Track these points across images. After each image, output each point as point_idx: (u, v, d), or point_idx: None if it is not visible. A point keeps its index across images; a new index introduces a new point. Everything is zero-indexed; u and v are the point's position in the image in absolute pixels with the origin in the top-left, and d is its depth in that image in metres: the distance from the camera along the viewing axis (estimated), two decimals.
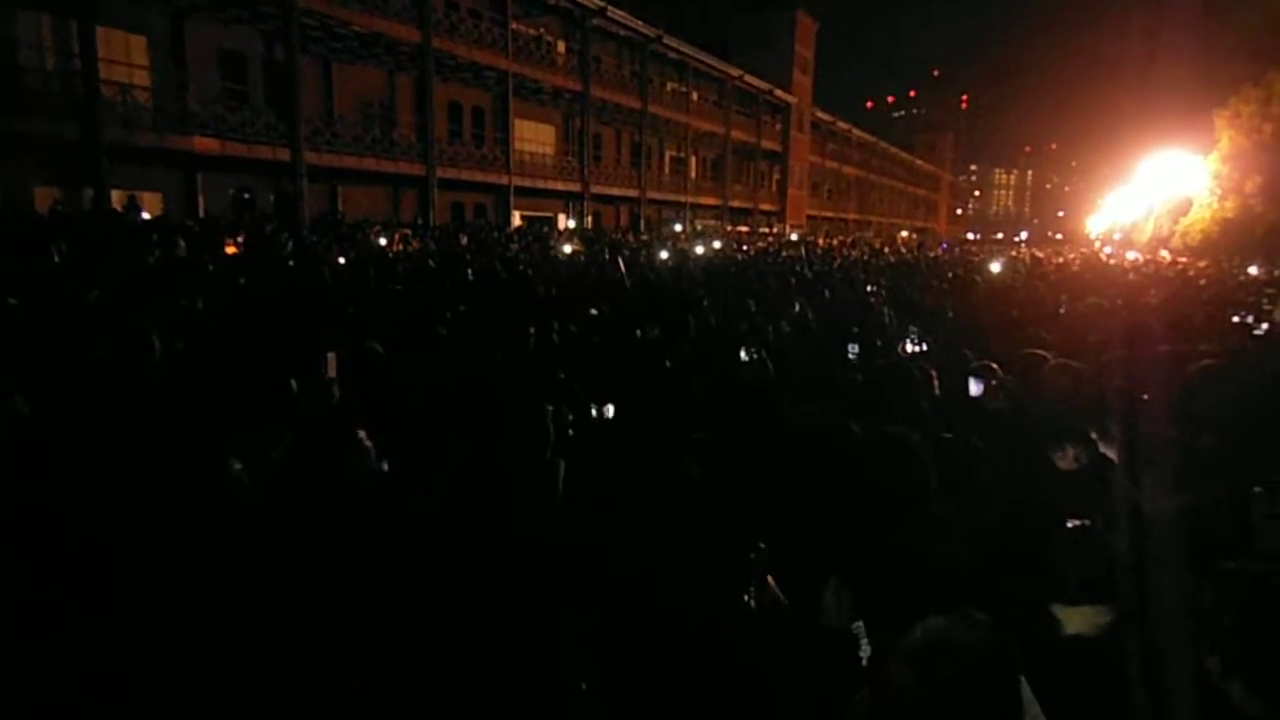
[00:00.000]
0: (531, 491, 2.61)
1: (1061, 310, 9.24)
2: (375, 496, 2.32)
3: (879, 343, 5.57)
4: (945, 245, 39.32)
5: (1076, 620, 2.35)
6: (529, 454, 2.83)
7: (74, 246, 7.64)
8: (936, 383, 4.40)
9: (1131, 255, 24.72)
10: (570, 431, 3.38)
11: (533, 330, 5.47)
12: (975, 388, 4.05)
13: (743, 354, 4.60)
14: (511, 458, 2.77)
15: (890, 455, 2.73)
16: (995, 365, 4.52)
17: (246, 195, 21.99)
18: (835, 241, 36.03)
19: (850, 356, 5.17)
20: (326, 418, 3.16)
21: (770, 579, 2.24)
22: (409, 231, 19.21)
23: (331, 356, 3.35)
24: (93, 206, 16.17)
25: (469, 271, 10.09)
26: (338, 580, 1.98)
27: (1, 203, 14.75)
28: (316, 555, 2.03)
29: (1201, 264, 23.94)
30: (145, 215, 14.73)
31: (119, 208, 15.75)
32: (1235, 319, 8.13)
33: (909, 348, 5.46)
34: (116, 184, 17.09)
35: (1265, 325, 8.03)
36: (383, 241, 16.25)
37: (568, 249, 17.41)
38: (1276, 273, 17.90)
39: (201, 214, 18.76)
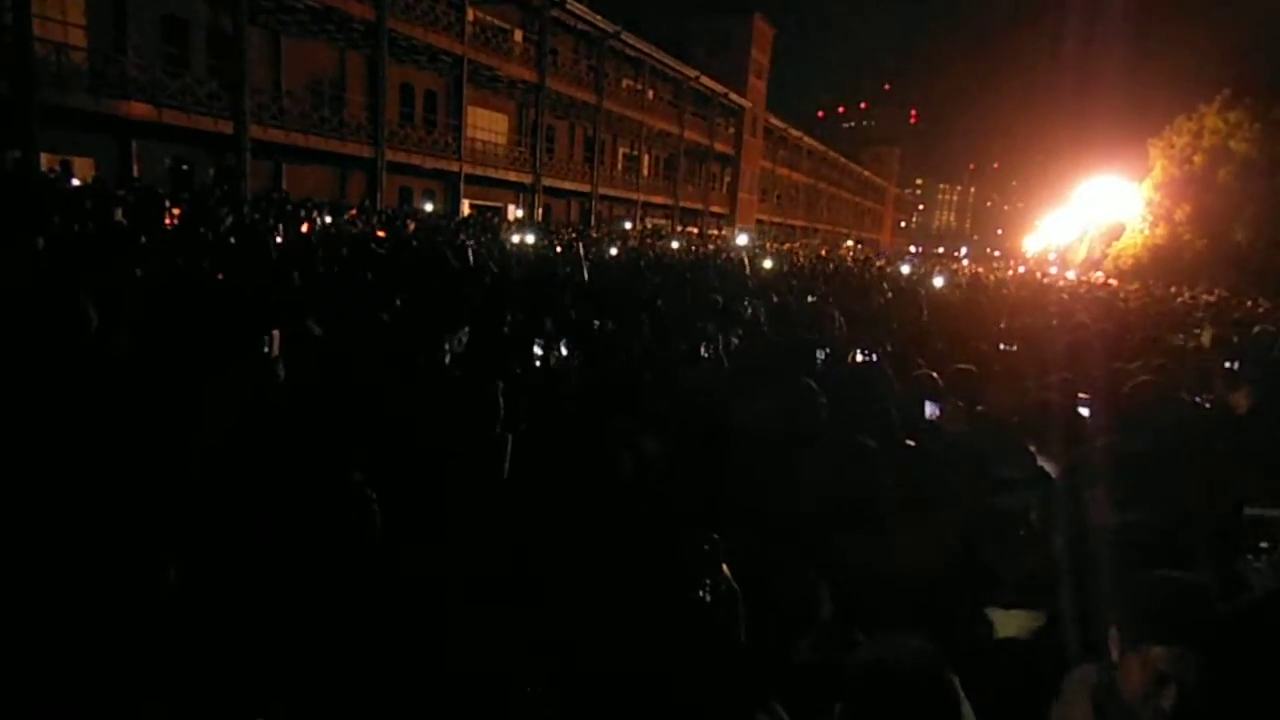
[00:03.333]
0: (477, 467, 2.56)
1: (1001, 325, 9.48)
2: (322, 480, 2.24)
3: (828, 350, 5.63)
4: (884, 256, 40.05)
5: (1011, 624, 2.39)
6: (477, 428, 2.78)
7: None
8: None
9: (1070, 274, 25.57)
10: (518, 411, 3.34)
11: (486, 318, 5.40)
12: (930, 410, 4.00)
13: (702, 350, 4.60)
14: (460, 432, 2.72)
15: (847, 461, 2.74)
16: (935, 375, 4.59)
17: (185, 167, 21.27)
18: (785, 247, 36.41)
19: (811, 359, 5.20)
20: (271, 397, 3.05)
21: (725, 568, 2.23)
22: (355, 213, 18.82)
23: (275, 334, 3.24)
24: (15, 168, 15.44)
25: (415, 257, 9.91)
26: (285, 567, 1.91)
27: None
28: (265, 540, 1.95)
29: (1132, 287, 24.86)
30: (75, 181, 14.15)
31: (49, 172, 15.10)
32: (1180, 339, 8.45)
33: (858, 357, 5.52)
34: (46, 147, 16.35)
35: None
36: (328, 219, 15.88)
37: (518, 239, 17.23)
38: (1204, 298, 18.67)
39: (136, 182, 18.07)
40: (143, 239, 7.20)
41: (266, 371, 3.17)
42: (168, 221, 10.54)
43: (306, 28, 23.72)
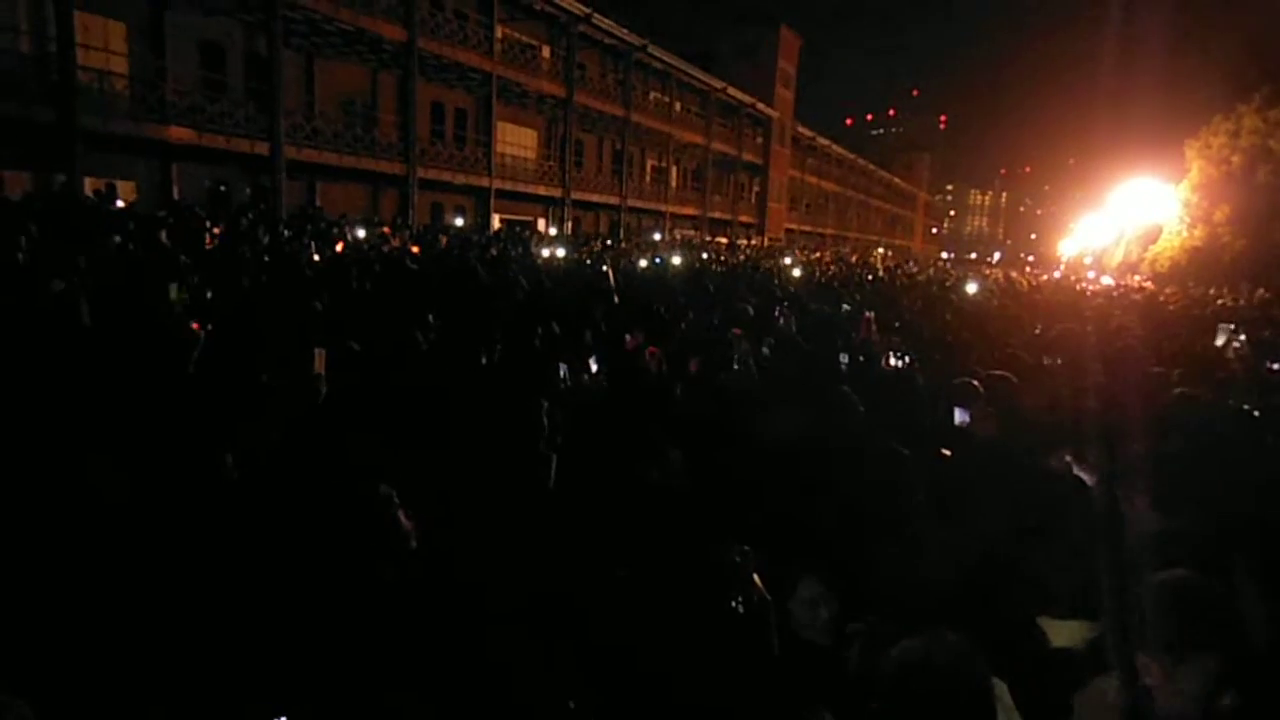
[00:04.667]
0: (525, 484, 2.59)
1: (1036, 331, 9.36)
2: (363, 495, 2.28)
3: (862, 357, 5.61)
4: (915, 263, 39.73)
5: (1064, 635, 2.37)
6: (523, 447, 2.81)
7: (46, 233, 7.49)
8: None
9: (1106, 280, 25.14)
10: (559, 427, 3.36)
11: (521, 334, 5.45)
12: (960, 416, 3.93)
13: (735, 363, 4.61)
14: (507, 450, 2.75)
15: (881, 469, 2.74)
16: (976, 383, 4.55)
17: (223, 187, 21.71)
18: (814, 256, 36.26)
19: (841, 367, 5.19)
20: (315, 415, 3.12)
21: (757, 580, 2.24)
22: (388, 230, 19.06)
23: (320, 353, 3.30)
24: (62, 191, 15.87)
25: (447, 273, 10.04)
26: (326, 578, 1.95)
27: None
28: (306, 552, 1.99)
29: (1168, 290, 24.38)
30: (120, 203, 14.51)
31: (92, 195, 15.50)
32: (1219, 343, 8.25)
33: (893, 362, 5.50)
34: (90, 171, 16.79)
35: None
36: (361, 233, 16.10)
37: (547, 253, 17.37)
38: (1243, 301, 18.28)
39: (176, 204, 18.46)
40: (184, 259, 7.37)
41: (311, 389, 3.23)
42: (208, 242, 10.77)
43: (339, 49, 24.15)
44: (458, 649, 1.99)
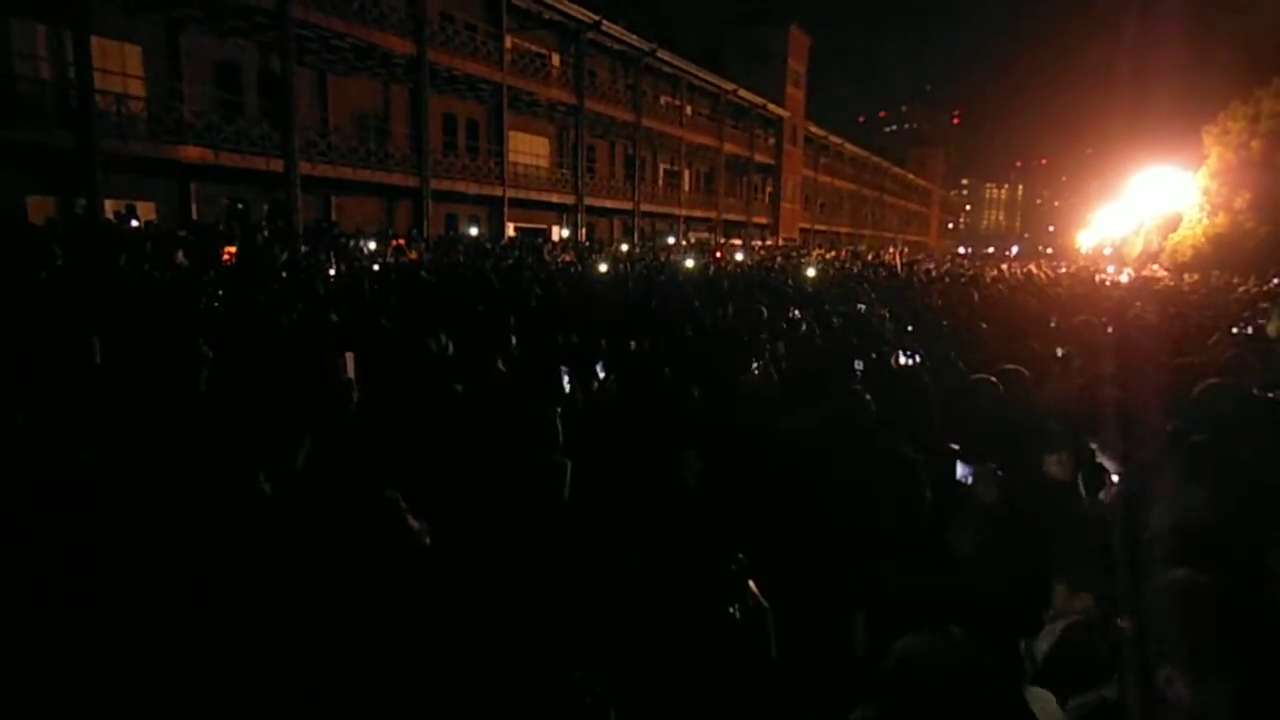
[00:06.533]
0: (539, 492, 2.61)
1: (1053, 324, 9.29)
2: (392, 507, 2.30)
3: (875, 355, 5.59)
4: (932, 258, 39.47)
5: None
6: (538, 455, 2.82)
7: (71, 256, 7.61)
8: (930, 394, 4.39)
9: (1124, 277, 24.83)
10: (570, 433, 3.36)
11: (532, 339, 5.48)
12: (962, 471, 3.63)
13: (754, 366, 4.60)
14: (521, 458, 2.77)
15: (892, 478, 2.72)
16: (991, 379, 4.52)
17: (240, 205, 21.96)
18: (829, 255, 36.12)
19: (856, 372, 5.17)
20: (348, 422, 3.15)
21: (753, 585, 2.24)
22: (403, 241, 19.20)
23: (350, 357, 3.34)
24: (84, 215, 16.12)
25: (462, 283, 10.11)
26: (356, 589, 1.97)
27: None
28: (338, 563, 2.01)
29: (1191, 279, 24.06)
30: (135, 223, 14.71)
31: (113, 216, 15.73)
32: (1234, 330, 8.20)
33: (902, 359, 5.48)
34: (111, 193, 17.04)
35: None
36: (372, 245, 16.24)
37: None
38: (1267, 287, 18.02)
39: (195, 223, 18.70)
40: (204, 277, 7.47)
41: (343, 395, 3.27)
42: (225, 259, 10.91)
43: (351, 65, 24.37)
44: (471, 656, 2.01)
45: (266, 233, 16.13)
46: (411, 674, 1.86)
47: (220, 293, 7.47)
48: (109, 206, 16.76)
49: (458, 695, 1.74)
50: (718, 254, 28.06)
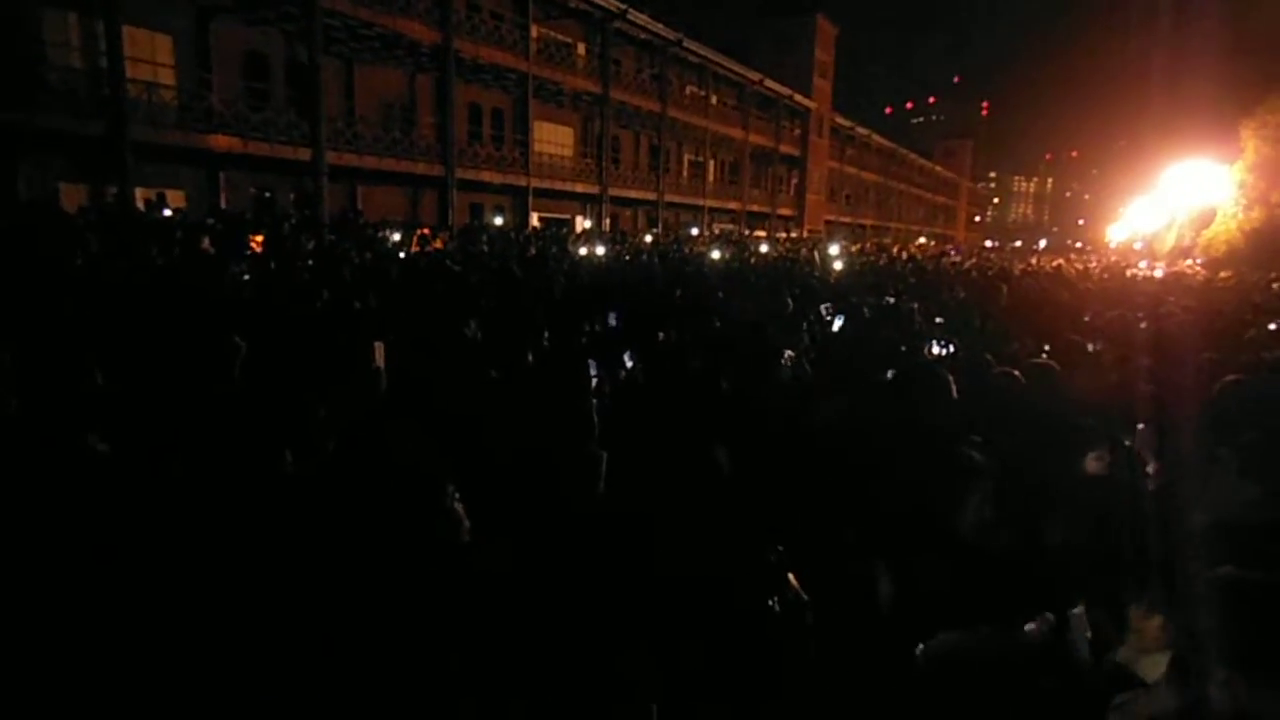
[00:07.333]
0: (576, 483, 2.58)
1: (1086, 319, 9.14)
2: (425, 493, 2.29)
3: (904, 347, 5.53)
4: (957, 251, 39.05)
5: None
6: (574, 445, 2.80)
7: (105, 245, 7.70)
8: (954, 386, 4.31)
9: (1158, 273, 24.39)
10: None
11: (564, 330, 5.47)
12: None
13: (786, 356, 4.55)
14: (557, 449, 2.75)
15: (957, 478, 2.66)
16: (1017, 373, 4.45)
17: (268, 194, 22.15)
18: (855, 248, 35.85)
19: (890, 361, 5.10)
20: (377, 409, 3.16)
21: (792, 578, 2.21)
22: (427, 231, 19.26)
23: (379, 346, 3.35)
24: (115, 203, 16.33)
25: (486, 272, 10.11)
26: (390, 577, 1.96)
27: (28, 199, 14.92)
28: (367, 550, 2.00)
29: (1223, 274, 23.60)
30: (167, 212, 14.87)
31: (143, 205, 15.91)
32: (1272, 327, 8.02)
33: (935, 349, 5.42)
34: (141, 181, 17.24)
35: None
36: (396, 237, 16.31)
37: (586, 251, 17.42)
38: None
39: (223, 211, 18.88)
40: (233, 267, 7.53)
41: (372, 383, 3.27)
42: (253, 248, 10.99)
43: (377, 54, 24.47)
44: (515, 647, 1.99)
45: (293, 221, 16.22)
46: (457, 665, 1.85)
47: (248, 280, 7.53)
48: (139, 194, 16.96)
49: (505, 684, 1.73)
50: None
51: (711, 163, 45.03)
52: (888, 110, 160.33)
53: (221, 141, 18.68)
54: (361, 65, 24.84)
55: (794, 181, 54.11)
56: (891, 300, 9.82)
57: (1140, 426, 3.75)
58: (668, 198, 38.17)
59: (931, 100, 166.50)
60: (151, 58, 18.83)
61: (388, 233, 16.65)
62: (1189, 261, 32.65)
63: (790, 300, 7.56)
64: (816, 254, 23.27)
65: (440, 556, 2.09)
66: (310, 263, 9.93)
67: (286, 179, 21.92)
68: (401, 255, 13.90)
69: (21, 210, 11.72)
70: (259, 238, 12.24)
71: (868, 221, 65.68)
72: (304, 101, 21.12)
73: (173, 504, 2.19)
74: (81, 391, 2.98)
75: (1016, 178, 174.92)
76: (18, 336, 3.64)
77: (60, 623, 1.81)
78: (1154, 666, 2.01)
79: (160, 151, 17.72)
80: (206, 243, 9.87)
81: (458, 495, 2.18)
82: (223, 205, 20.00)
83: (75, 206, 15.02)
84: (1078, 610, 2.32)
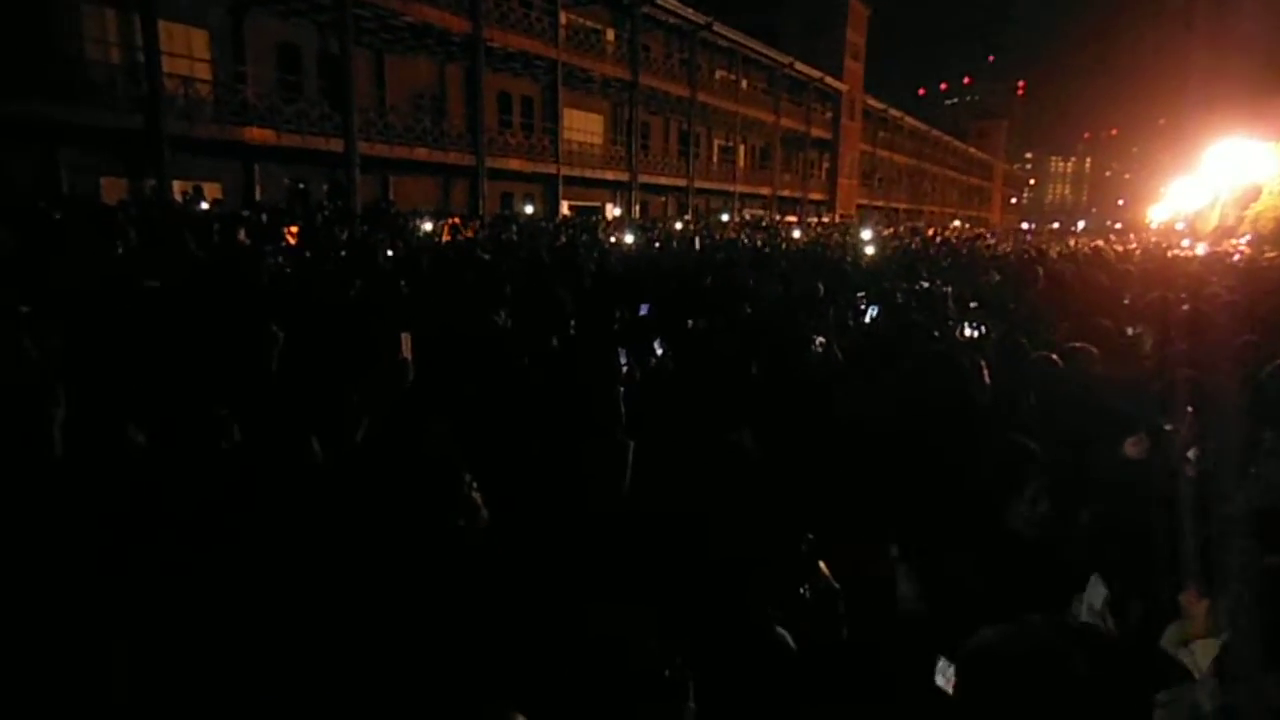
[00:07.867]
0: (603, 472, 2.59)
1: (1126, 302, 8.96)
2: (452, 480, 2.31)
3: (937, 333, 5.47)
4: (992, 234, 38.46)
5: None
6: (602, 434, 2.81)
7: (144, 237, 7.85)
8: (986, 372, 4.26)
9: (1201, 249, 23.78)
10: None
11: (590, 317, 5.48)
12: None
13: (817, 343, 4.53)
14: (585, 438, 2.76)
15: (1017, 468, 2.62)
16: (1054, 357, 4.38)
17: (301, 185, 22.41)
18: (888, 232, 35.43)
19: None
20: (405, 399, 3.19)
21: (823, 566, 2.20)
22: (458, 220, 19.37)
23: (406, 337, 3.38)
24: (153, 195, 16.64)
25: (515, 260, 10.15)
26: (417, 565, 1.99)
27: (70, 192, 15.25)
28: (395, 538, 2.03)
29: (1270, 253, 22.97)
30: (204, 205, 15.13)
31: (180, 197, 16.19)
32: None
33: (968, 332, 5.37)
34: (178, 174, 17.55)
35: None
36: (428, 226, 16.43)
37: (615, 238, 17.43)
38: None
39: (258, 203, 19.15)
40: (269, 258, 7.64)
41: (400, 374, 3.31)
42: (288, 239, 11.14)
43: (408, 44, 24.61)
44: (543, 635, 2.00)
45: (327, 212, 16.41)
46: (483, 652, 1.87)
47: (286, 270, 7.63)
48: (176, 187, 17.27)
49: (536, 667, 1.75)
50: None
51: (742, 147, 44.72)
52: (920, 91, 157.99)
53: (256, 134, 18.93)
54: (392, 56, 24.99)
55: (825, 165, 53.57)
56: (925, 285, 9.70)
57: (1181, 411, 3.69)
58: (698, 184, 38.00)
59: (966, 80, 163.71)
60: (188, 52, 19.11)
61: (419, 222, 16.79)
62: (1234, 241, 31.84)
63: (821, 286, 7.50)
64: (849, 239, 23.04)
65: (455, 546, 2.10)
66: (344, 253, 10.04)
67: (320, 170, 22.16)
68: (435, 241, 14.00)
69: (64, 204, 11.98)
70: (294, 229, 12.41)
71: (901, 205, 64.86)
72: (336, 93, 21.32)
73: (204, 494, 2.23)
74: (121, 382, 3.05)
75: (1053, 158, 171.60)
76: (67, 325, 3.73)
77: (92, 611, 1.85)
78: (1205, 652, 1.99)
79: (197, 145, 18.02)
80: (243, 234, 10.01)
81: (475, 484, 2.20)
82: (258, 197, 20.29)
83: (116, 200, 15.33)
84: (1104, 593, 2.30)
